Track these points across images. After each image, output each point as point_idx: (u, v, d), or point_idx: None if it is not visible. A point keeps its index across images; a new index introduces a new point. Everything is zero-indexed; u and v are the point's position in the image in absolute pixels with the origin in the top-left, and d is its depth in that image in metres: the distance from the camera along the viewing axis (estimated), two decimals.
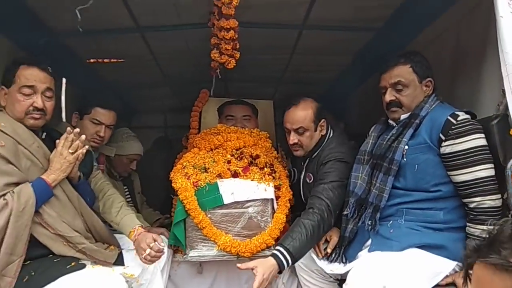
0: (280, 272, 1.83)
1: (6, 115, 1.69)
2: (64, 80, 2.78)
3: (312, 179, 2.27)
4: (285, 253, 1.79)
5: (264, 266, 1.76)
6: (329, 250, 2.02)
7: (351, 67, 2.95)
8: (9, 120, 1.66)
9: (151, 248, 1.76)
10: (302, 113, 2.21)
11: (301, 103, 2.24)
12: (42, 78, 1.71)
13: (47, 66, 1.75)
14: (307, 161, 2.33)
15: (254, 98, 2.90)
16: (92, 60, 2.91)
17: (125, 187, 2.78)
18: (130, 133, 2.81)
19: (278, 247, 1.83)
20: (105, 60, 2.96)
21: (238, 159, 2.34)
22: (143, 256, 1.78)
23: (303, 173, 2.37)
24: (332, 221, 1.99)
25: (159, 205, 3.01)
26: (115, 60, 2.95)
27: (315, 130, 2.24)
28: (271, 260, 1.77)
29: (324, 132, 2.28)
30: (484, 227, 1.61)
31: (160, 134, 4.01)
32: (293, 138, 2.23)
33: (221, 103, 2.82)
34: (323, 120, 2.26)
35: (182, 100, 3.56)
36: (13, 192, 1.52)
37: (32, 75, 1.69)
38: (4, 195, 1.51)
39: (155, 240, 1.81)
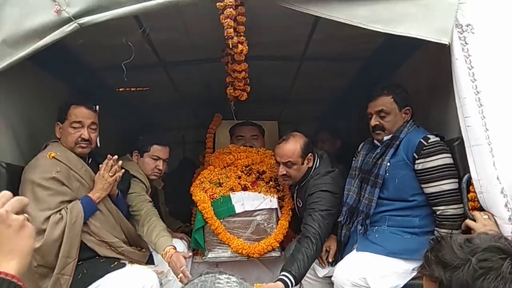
0: None
1: (60, 145, 2.12)
2: (97, 107, 3.23)
3: (301, 204, 2.54)
4: (290, 277, 2.08)
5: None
6: (330, 260, 2.36)
7: (347, 89, 3.32)
8: (62, 149, 2.09)
9: (182, 273, 2.05)
10: (291, 148, 2.41)
11: (290, 139, 2.45)
12: (88, 114, 2.14)
13: (92, 105, 2.18)
14: (296, 188, 2.59)
15: (261, 119, 3.29)
16: (121, 89, 3.36)
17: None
18: None
19: (284, 273, 2.09)
20: (132, 89, 3.41)
21: (247, 174, 2.72)
22: (178, 279, 2.07)
23: (294, 197, 2.66)
24: (323, 242, 2.31)
25: (181, 216, 3.39)
26: (141, 88, 3.39)
27: (302, 164, 2.44)
28: (280, 284, 2.06)
29: (310, 164, 2.48)
30: (448, 231, 1.95)
31: (178, 149, 4.35)
32: (281, 170, 2.44)
33: (232, 125, 3.22)
34: (310, 154, 2.46)
35: (197, 119, 3.96)
36: (67, 208, 1.93)
37: (80, 113, 2.12)
38: (59, 210, 1.92)
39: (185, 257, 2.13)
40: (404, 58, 2.58)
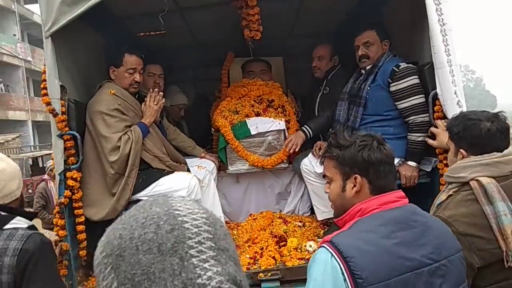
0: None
1: (115, 84, 2.68)
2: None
3: (328, 90, 3.32)
4: (309, 129, 3.04)
5: (296, 136, 3.10)
6: (320, 153, 3.00)
7: (342, 25, 3.78)
8: (117, 88, 2.66)
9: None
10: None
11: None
12: (139, 62, 2.70)
13: (140, 54, 2.70)
14: (325, 81, 3.38)
15: (268, 55, 3.78)
16: (141, 34, 3.83)
17: None
18: (177, 89, 3.76)
19: (306, 126, 3.13)
20: (152, 33, 3.87)
21: (259, 103, 3.29)
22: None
23: (321, 89, 3.38)
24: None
25: (201, 141, 4.00)
26: (159, 32, 3.85)
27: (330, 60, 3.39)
28: (301, 133, 3.07)
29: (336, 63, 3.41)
30: (418, 134, 2.56)
31: (192, 86, 4.80)
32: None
33: (243, 62, 3.73)
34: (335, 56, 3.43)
35: (209, 59, 4.39)
36: (131, 130, 2.54)
37: (134, 61, 2.68)
38: (126, 133, 2.53)
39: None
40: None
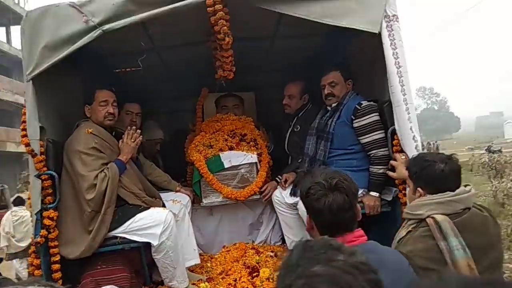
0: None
1: (91, 123, 2.77)
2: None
3: (299, 128, 3.47)
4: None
5: (270, 184, 3.33)
6: (286, 185, 3.20)
7: (308, 62, 4.02)
8: (94, 126, 2.75)
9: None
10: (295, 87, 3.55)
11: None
12: (110, 95, 2.81)
13: (110, 88, 2.82)
14: (295, 118, 3.55)
15: (240, 90, 3.96)
16: (117, 70, 3.96)
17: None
18: (153, 124, 3.87)
19: (279, 177, 3.31)
20: (127, 70, 4.00)
21: (232, 137, 3.44)
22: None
23: (291, 125, 3.55)
24: None
25: (177, 174, 4.08)
26: (134, 68, 3.98)
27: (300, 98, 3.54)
28: (274, 182, 3.28)
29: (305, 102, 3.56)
30: (379, 167, 2.77)
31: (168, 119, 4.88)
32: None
33: (216, 97, 3.90)
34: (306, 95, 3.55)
35: (184, 92, 4.51)
36: (107, 168, 2.62)
37: (105, 94, 2.79)
38: (102, 170, 2.60)
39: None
40: (349, 40, 3.29)
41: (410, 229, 1.81)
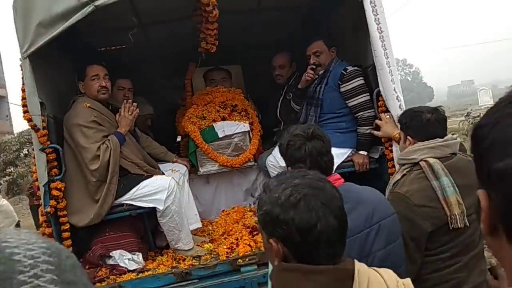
0: None
1: (87, 98, 2.84)
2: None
3: (291, 96, 3.53)
4: None
5: None
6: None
7: (294, 34, 4.14)
8: (91, 100, 2.83)
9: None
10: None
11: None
12: (101, 68, 2.88)
13: (100, 62, 2.88)
14: (285, 87, 3.68)
15: (227, 64, 4.06)
16: (102, 48, 3.98)
17: None
18: (143, 100, 3.93)
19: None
20: (113, 47, 4.03)
21: (224, 108, 3.56)
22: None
23: (282, 94, 3.67)
24: None
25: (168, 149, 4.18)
26: (120, 46, 4.01)
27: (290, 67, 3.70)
28: None
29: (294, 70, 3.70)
30: (366, 127, 2.96)
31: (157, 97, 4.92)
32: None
33: (204, 71, 3.99)
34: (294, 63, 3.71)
35: (172, 69, 4.57)
36: (108, 140, 2.72)
37: (95, 68, 2.87)
38: (104, 142, 2.70)
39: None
40: (332, 10, 3.42)
41: (404, 172, 2.00)
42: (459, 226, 1.84)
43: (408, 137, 2.07)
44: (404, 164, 2.05)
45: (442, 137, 1.99)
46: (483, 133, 0.59)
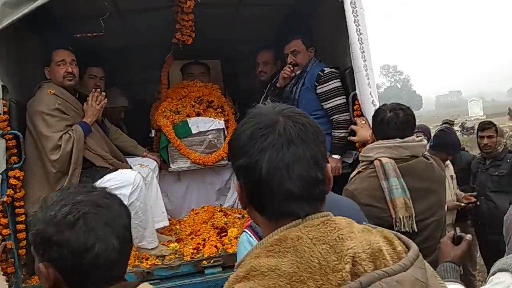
0: None
1: (53, 84, 2.73)
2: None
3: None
4: None
5: None
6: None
7: (276, 32, 4.07)
8: (56, 87, 2.71)
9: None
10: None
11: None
12: (68, 54, 2.77)
13: (67, 47, 2.77)
14: (268, 85, 3.56)
15: (206, 58, 3.97)
16: (78, 35, 3.85)
17: None
18: (117, 91, 3.83)
19: None
20: (89, 34, 3.90)
21: (199, 104, 3.48)
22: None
23: (265, 92, 3.55)
24: None
25: (141, 143, 4.07)
26: (96, 34, 3.88)
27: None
28: None
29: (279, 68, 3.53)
30: (340, 131, 2.91)
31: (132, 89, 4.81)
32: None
33: (182, 64, 3.89)
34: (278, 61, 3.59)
35: (149, 61, 4.46)
36: (72, 130, 2.61)
37: (61, 54, 2.76)
38: (67, 132, 2.59)
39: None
40: (316, 7, 3.36)
41: (360, 169, 1.98)
42: (405, 230, 1.79)
43: (373, 134, 2.05)
44: (363, 161, 2.01)
45: (403, 138, 1.95)
46: (231, 142, 0.92)
